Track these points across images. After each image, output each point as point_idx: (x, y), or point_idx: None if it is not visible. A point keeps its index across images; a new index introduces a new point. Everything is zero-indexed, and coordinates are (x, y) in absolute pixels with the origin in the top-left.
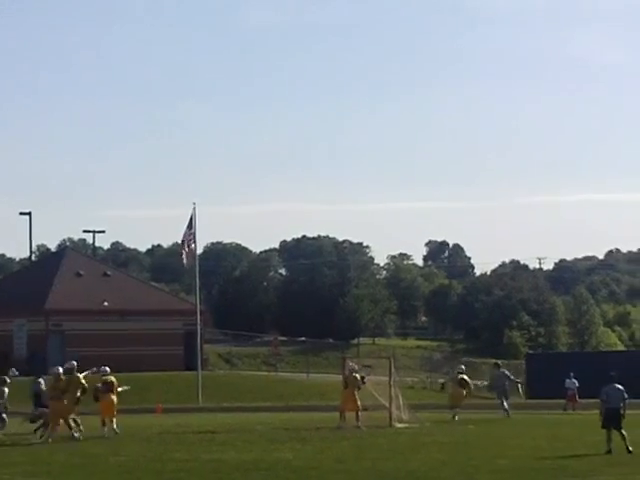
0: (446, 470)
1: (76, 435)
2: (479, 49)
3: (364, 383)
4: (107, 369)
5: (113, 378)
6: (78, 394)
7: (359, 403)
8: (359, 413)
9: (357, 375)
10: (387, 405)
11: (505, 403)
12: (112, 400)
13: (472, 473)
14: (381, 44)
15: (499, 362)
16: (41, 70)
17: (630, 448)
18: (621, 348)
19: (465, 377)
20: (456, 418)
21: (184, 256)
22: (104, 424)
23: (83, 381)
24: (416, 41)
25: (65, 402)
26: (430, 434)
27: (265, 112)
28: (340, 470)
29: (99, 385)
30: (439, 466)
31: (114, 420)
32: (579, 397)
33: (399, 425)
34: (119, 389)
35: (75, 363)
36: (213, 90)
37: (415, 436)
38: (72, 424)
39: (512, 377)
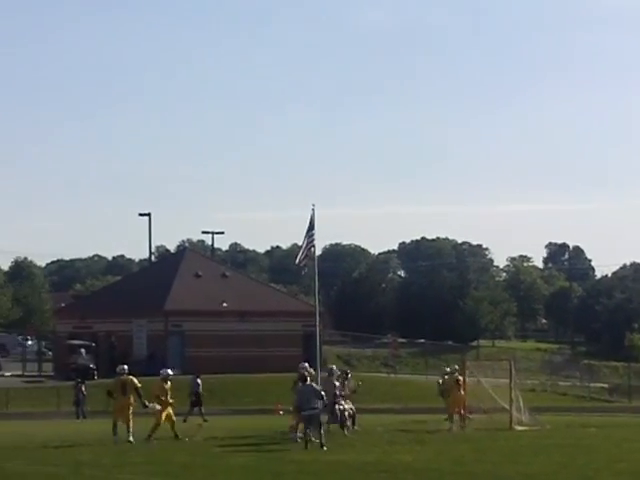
0: (566, 473)
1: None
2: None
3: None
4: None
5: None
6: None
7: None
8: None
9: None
10: (507, 408)
11: None
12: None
13: (592, 476)
14: (497, 46)
15: None
16: (160, 75)
17: None
18: None
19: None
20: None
21: (303, 261)
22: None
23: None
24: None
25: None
26: (550, 437)
27: (383, 115)
28: (460, 472)
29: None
30: (559, 469)
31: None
32: None
33: (519, 428)
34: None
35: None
36: (333, 94)
37: (535, 439)
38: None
39: None
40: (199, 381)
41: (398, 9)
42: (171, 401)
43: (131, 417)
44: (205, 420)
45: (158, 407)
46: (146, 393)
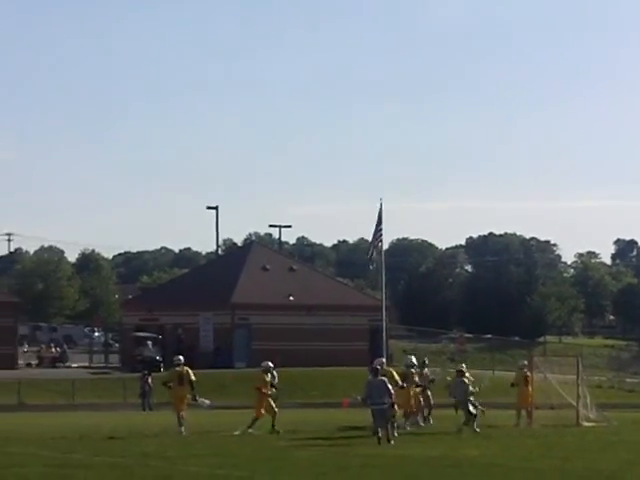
0: (634, 470)
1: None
2: None
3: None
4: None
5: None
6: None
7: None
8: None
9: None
10: (574, 404)
11: None
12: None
13: None
14: (564, 42)
15: None
16: (227, 67)
17: None
18: None
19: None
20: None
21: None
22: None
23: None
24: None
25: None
26: (617, 433)
27: (451, 109)
28: (527, 468)
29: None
30: (627, 466)
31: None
32: None
33: (586, 424)
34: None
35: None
36: (401, 88)
37: (602, 435)
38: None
39: None
40: (275, 373)
41: (470, 5)
42: (271, 392)
43: (184, 408)
44: None
45: (207, 402)
46: (212, 384)
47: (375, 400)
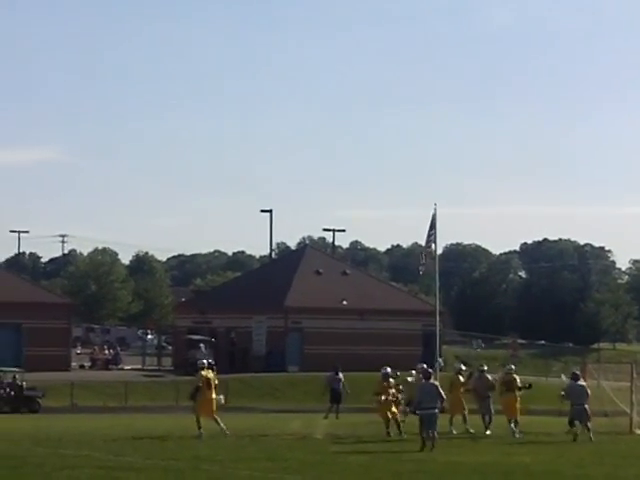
0: None
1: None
2: None
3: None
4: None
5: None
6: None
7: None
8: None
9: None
10: (628, 411)
11: None
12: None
13: None
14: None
15: None
16: (279, 73)
17: None
18: None
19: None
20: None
21: (423, 260)
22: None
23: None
24: None
25: None
26: None
27: (507, 114)
28: (580, 475)
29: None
30: None
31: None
32: None
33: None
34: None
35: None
36: (456, 93)
37: None
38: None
39: None
40: (340, 376)
41: (522, 9)
42: (394, 398)
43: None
44: (326, 417)
45: (222, 398)
46: (265, 388)
47: (426, 405)
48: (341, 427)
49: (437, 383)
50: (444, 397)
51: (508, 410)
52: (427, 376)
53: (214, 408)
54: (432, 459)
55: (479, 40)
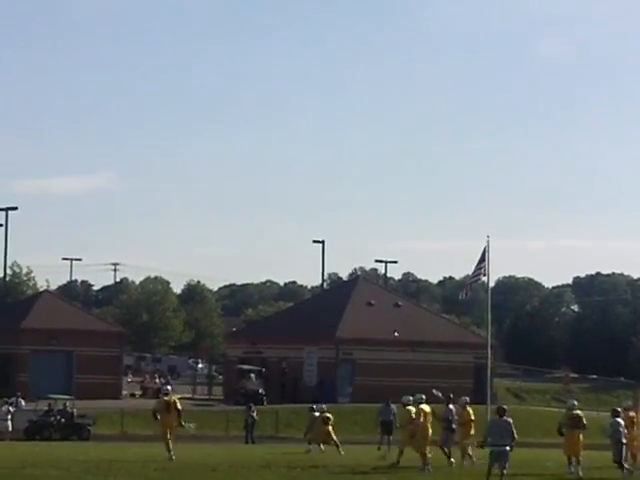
0: None
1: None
2: None
3: None
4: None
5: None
6: None
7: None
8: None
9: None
10: None
11: None
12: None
13: None
14: None
15: None
16: (333, 99)
17: None
18: None
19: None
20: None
21: (467, 290)
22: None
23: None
24: None
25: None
26: None
27: (561, 146)
28: None
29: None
30: None
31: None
32: None
33: None
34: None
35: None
36: (509, 123)
37: None
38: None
39: None
40: (392, 408)
41: (575, 41)
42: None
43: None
44: (379, 449)
45: (192, 426)
46: None
47: (496, 441)
48: (391, 458)
49: (510, 420)
50: (516, 436)
51: (572, 448)
52: (501, 413)
53: (169, 432)
54: None
55: (535, 71)
